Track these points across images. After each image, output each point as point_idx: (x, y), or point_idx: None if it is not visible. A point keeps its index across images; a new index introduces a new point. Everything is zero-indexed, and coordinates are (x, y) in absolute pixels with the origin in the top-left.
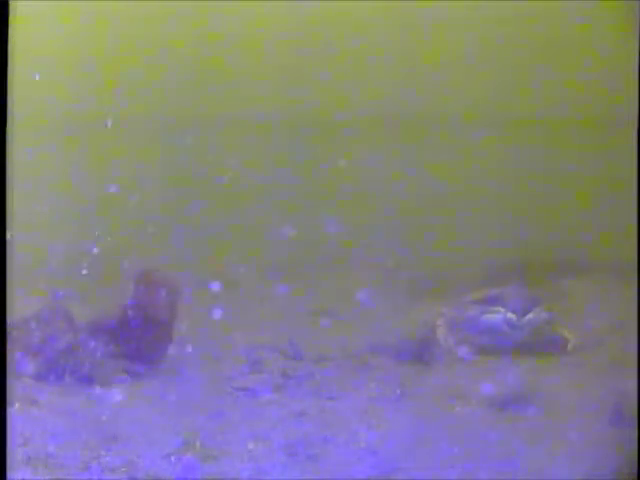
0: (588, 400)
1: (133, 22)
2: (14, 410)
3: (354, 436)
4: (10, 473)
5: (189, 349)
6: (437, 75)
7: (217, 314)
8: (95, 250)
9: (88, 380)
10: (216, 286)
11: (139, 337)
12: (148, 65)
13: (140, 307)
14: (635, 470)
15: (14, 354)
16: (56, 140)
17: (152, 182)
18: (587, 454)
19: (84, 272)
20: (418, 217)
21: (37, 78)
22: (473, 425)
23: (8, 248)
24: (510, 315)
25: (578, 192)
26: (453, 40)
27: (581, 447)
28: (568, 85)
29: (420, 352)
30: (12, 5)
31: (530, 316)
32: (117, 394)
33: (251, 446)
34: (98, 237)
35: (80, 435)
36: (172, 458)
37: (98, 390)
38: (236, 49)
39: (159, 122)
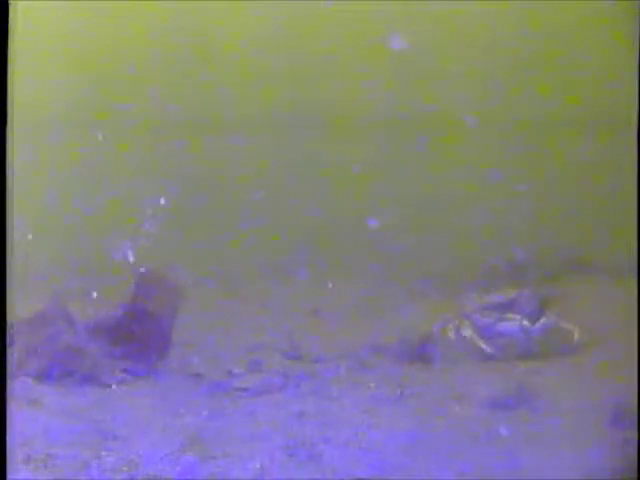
0: (588, 400)
1: (134, 22)
2: (14, 410)
3: (354, 436)
4: (10, 473)
5: (189, 349)
6: (438, 75)
7: (217, 314)
8: (95, 250)
9: (88, 380)
10: (216, 286)
11: (139, 337)
12: (148, 65)
13: (140, 307)
14: (635, 470)
15: (14, 354)
16: (56, 140)
17: (152, 181)
18: (587, 454)
19: (84, 271)
20: (420, 216)
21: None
22: (473, 425)
23: (8, 248)
24: (526, 322)
25: (578, 192)
26: (453, 40)
27: (581, 447)
28: (568, 85)
29: (421, 352)
30: (12, 5)
31: (542, 321)
32: (117, 394)
33: (251, 446)
34: (98, 236)
35: (80, 435)
36: (172, 458)
37: (98, 390)
38: (239, 49)
39: (159, 122)
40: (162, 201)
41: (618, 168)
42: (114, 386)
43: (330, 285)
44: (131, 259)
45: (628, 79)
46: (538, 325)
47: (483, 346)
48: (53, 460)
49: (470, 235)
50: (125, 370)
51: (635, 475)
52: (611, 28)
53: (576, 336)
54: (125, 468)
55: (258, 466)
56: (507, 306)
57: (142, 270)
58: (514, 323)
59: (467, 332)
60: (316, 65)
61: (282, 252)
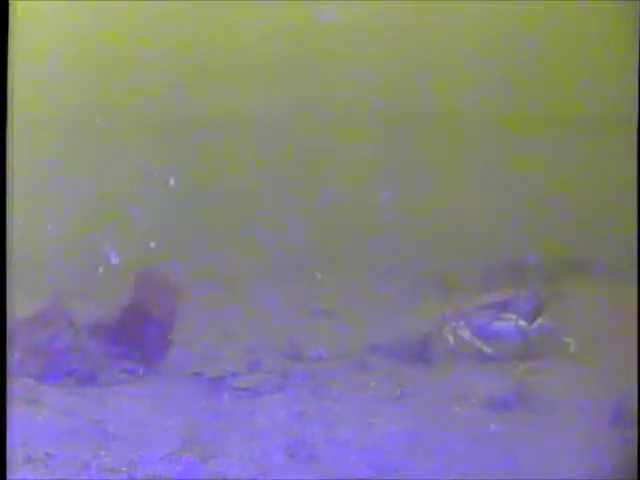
0: (588, 400)
1: (133, 22)
2: (14, 410)
3: (354, 436)
4: (10, 473)
5: (189, 349)
6: (438, 75)
7: (217, 314)
8: (95, 250)
9: (88, 380)
10: (216, 286)
11: (139, 337)
12: (148, 65)
13: (140, 307)
14: (635, 470)
15: (14, 354)
16: (56, 140)
17: (151, 181)
18: (587, 454)
19: (84, 272)
20: (419, 216)
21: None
22: (473, 425)
23: (8, 248)
24: (522, 322)
25: (578, 192)
26: (453, 40)
27: (581, 447)
28: (568, 85)
29: (421, 353)
30: (12, 5)
31: (539, 321)
32: (117, 394)
33: (251, 446)
34: (98, 237)
35: (80, 435)
36: (172, 458)
37: (98, 390)
38: (237, 49)
39: (158, 122)
40: (162, 200)
41: (618, 168)
42: (114, 386)
43: (330, 285)
44: (130, 259)
45: (628, 79)
46: (535, 325)
47: (482, 346)
48: (53, 460)
49: (469, 235)
50: (125, 370)
51: (635, 475)
52: (611, 28)
53: (572, 349)
54: (125, 468)
55: (258, 466)
56: (505, 306)
57: (142, 270)
58: (510, 323)
59: (465, 332)
60: (315, 65)
61: (282, 252)
